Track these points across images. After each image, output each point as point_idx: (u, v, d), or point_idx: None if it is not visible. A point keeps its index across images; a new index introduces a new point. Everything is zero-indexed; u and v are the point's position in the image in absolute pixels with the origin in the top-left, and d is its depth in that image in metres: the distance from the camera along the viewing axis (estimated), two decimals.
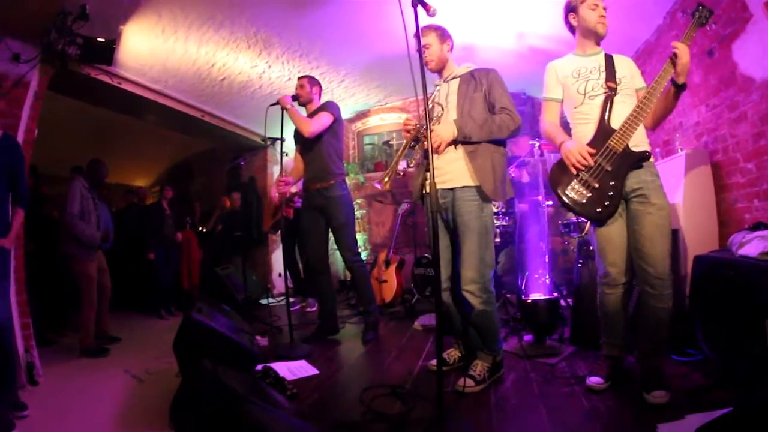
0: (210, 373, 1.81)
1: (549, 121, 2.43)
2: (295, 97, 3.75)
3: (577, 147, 2.19)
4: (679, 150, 3.43)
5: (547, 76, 2.46)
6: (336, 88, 5.60)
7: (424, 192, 2.61)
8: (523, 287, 3.90)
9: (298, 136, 3.81)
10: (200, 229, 7.41)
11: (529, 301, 3.16)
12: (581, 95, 2.30)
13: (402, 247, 6.06)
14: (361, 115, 6.93)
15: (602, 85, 2.25)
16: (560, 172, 2.27)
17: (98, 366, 3.77)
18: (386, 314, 4.73)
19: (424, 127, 2.54)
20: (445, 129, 2.40)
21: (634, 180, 2.13)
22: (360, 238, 6.91)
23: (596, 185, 2.14)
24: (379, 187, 2.43)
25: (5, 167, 2.68)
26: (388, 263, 5.26)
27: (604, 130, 2.18)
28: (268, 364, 2.85)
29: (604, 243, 2.25)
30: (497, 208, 4.59)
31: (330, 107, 3.75)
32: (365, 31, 4.35)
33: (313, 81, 3.94)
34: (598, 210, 2.15)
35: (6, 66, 3.19)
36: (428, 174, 2.37)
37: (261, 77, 5.06)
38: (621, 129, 2.13)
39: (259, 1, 3.74)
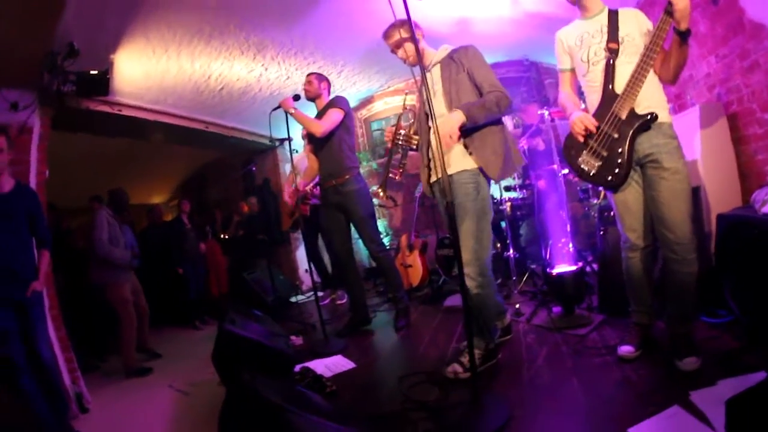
0: (249, 386, 1.80)
1: (563, 91, 2.41)
2: (297, 97, 3.64)
3: (581, 116, 2.16)
4: (692, 104, 3.27)
5: (556, 47, 2.40)
6: (336, 79, 5.47)
7: (431, 183, 2.60)
8: (547, 258, 3.83)
9: (309, 134, 3.77)
10: (222, 236, 7.48)
11: (555, 273, 3.13)
12: (585, 63, 2.24)
13: (423, 228, 5.99)
14: (366, 102, 6.81)
15: (603, 48, 2.15)
16: (571, 144, 2.26)
17: (143, 385, 3.90)
18: (415, 298, 4.71)
19: (403, 135, 2.58)
20: (449, 121, 2.27)
21: (646, 144, 2.06)
22: (380, 224, 6.86)
23: (605, 153, 2.12)
24: (377, 200, 2.37)
25: (25, 215, 2.79)
26: (411, 248, 5.21)
27: (608, 97, 2.12)
28: (305, 365, 2.88)
29: (621, 209, 2.22)
30: (514, 179, 4.51)
31: (338, 102, 3.67)
32: (355, 18, 4.21)
33: (321, 77, 3.84)
34: (608, 178, 2.13)
35: (7, 116, 3.21)
36: (431, 168, 2.51)
37: (259, 80, 4.98)
38: (624, 93, 2.06)
39: (244, 6, 3.65)
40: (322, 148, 3.72)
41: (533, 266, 4.48)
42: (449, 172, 2.38)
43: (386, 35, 2.56)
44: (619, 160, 2.08)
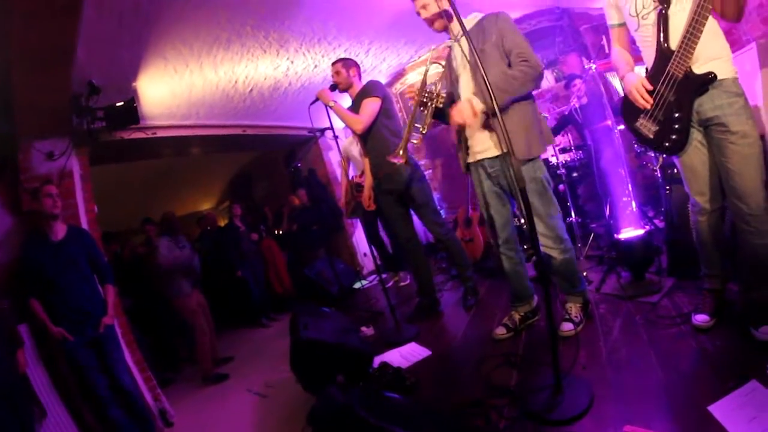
0: (343, 404, 1.81)
1: (615, 48, 2.22)
2: (334, 86, 3.50)
3: (636, 83, 1.99)
4: (747, 41, 2.84)
5: (604, 2, 2.18)
6: (365, 58, 5.19)
7: (468, 163, 2.61)
8: (609, 219, 3.76)
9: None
10: (276, 232, 7.50)
11: (623, 239, 3.01)
12: (635, 17, 2.01)
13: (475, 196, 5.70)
14: (398, 75, 6.46)
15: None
16: (627, 106, 2.11)
17: (221, 392, 4.01)
18: (480, 271, 4.55)
19: (428, 90, 2.39)
20: (467, 106, 2.22)
21: (708, 106, 1.86)
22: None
23: (662, 118, 1.98)
24: (395, 161, 2.40)
25: (84, 256, 2.95)
26: (469, 222, 5.07)
27: (662, 54, 1.91)
28: (383, 358, 2.86)
29: (687, 173, 2.08)
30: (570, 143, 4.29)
31: (373, 89, 3.44)
32: None
33: (347, 63, 3.56)
34: (666, 144, 2.02)
35: (45, 166, 3.22)
36: (469, 147, 2.54)
37: (287, 75, 4.78)
38: (679, 50, 1.83)
39: (257, 6, 3.43)
40: (367, 138, 3.57)
41: (594, 225, 4.33)
42: (497, 153, 2.43)
43: None
44: (677, 126, 1.95)
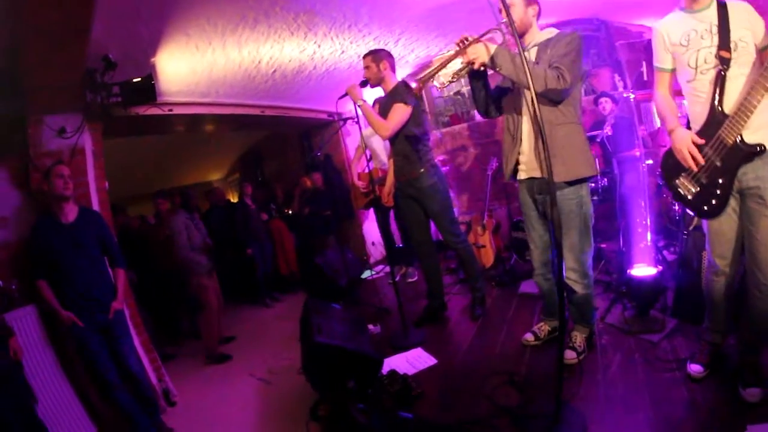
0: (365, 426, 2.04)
1: (660, 93, 2.17)
2: (365, 82, 3.38)
3: (686, 142, 1.96)
4: None
5: (654, 42, 2.14)
6: (393, 48, 4.94)
7: (517, 175, 2.56)
8: (623, 248, 3.78)
9: (381, 112, 3.54)
10: (286, 211, 7.38)
11: (634, 276, 3.06)
12: (692, 69, 1.96)
13: (493, 200, 5.55)
14: (424, 66, 6.20)
15: (714, 55, 1.86)
16: (670, 162, 2.11)
17: (224, 373, 4.09)
18: (489, 278, 4.50)
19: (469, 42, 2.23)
20: (480, 48, 2.18)
21: (751, 175, 1.86)
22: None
23: (704, 181, 1.97)
24: (413, 85, 2.36)
25: (94, 239, 2.89)
26: (484, 228, 5.00)
27: (714, 116, 1.89)
28: (391, 365, 2.92)
29: (713, 235, 2.08)
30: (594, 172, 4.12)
31: (405, 96, 3.31)
32: None
33: (378, 56, 3.40)
34: (704, 208, 2.02)
35: (56, 142, 3.07)
36: (521, 156, 2.47)
37: (313, 58, 4.56)
38: (733, 116, 1.81)
39: None
40: (394, 141, 3.51)
41: (603, 245, 4.29)
42: (535, 175, 2.42)
43: None
44: (719, 191, 1.94)
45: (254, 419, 3.12)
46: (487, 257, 4.88)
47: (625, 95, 3.75)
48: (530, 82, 1.84)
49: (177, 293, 4.99)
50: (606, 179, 4.30)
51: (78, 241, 2.79)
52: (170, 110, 4.05)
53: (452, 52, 2.33)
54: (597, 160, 4.30)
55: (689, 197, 2.05)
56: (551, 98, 2.22)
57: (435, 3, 4.13)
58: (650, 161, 3.70)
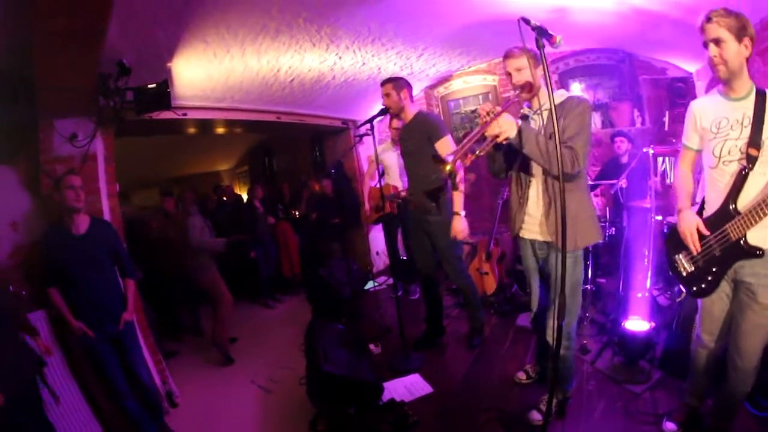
0: None
1: (682, 170, 2.20)
2: (384, 110, 3.40)
3: (691, 227, 2.01)
4: None
5: (687, 119, 2.11)
6: (415, 62, 4.88)
7: (520, 233, 2.55)
8: (622, 292, 3.85)
9: (400, 139, 3.63)
10: (293, 212, 7.31)
11: (628, 329, 3.15)
12: (715, 158, 1.94)
13: (501, 224, 5.47)
14: (443, 80, 6.16)
15: (740, 150, 1.85)
16: (674, 238, 2.17)
17: (226, 376, 4.18)
18: (488, 305, 4.54)
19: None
20: (510, 122, 2.08)
21: (748, 270, 1.90)
22: None
23: (700, 264, 2.05)
24: (446, 159, 2.14)
25: (105, 251, 2.87)
26: (489, 255, 4.93)
27: (726, 210, 1.92)
28: (389, 391, 3.05)
29: (704, 313, 2.17)
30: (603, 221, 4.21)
31: (441, 128, 3.32)
32: (441, 2, 3.63)
33: (398, 84, 3.34)
34: (694, 288, 2.11)
35: (67, 147, 3.00)
36: (526, 217, 2.47)
37: (333, 69, 4.48)
38: (744, 215, 1.83)
39: (313, 1, 3.13)
40: (410, 165, 3.57)
41: (602, 281, 4.35)
42: (548, 239, 2.38)
43: (512, 55, 2.29)
44: (710, 278, 2.03)
45: (254, 427, 3.21)
46: (489, 284, 4.84)
47: (644, 150, 3.72)
48: (550, 165, 1.95)
49: (183, 289, 5.01)
50: (614, 228, 4.30)
51: (89, 253, 2.76)
52: (184, 114, 3.94)
53: (478, 128, 2.23)
54: (608, 208, 4.37)
55: (684, 274, 2.14)
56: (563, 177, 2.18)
57: (462, 23, 4.04)
58: (659, 217, 3.74)
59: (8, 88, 2.60)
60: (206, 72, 3.68)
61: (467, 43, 4.69)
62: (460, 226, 3.26)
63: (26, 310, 2.76)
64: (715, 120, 1.93)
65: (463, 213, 3.27)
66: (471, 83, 6.05)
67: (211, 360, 4.48)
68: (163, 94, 3.19)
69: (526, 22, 1.71)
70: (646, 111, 5.02)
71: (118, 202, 3.57)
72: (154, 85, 3.15)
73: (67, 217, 2.73)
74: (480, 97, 6.07)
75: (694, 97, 4.65)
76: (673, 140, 4.40)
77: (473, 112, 6.08)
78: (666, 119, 4.23)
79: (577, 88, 5.32)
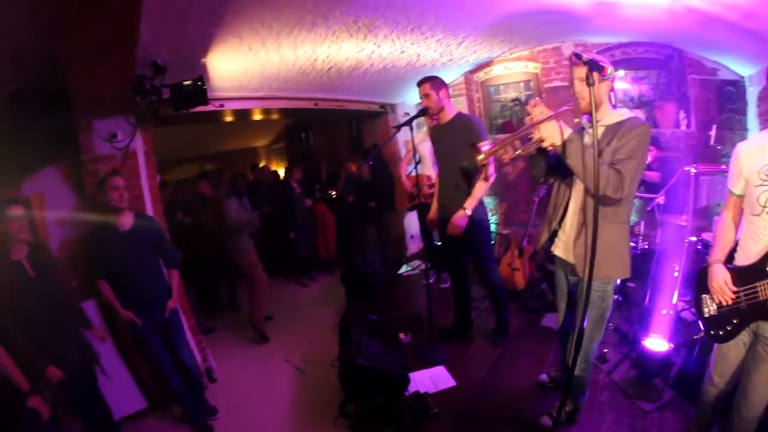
0: None
1: (725, 218, 2.09)
2: (423, 111, 3.32)
3: (719, 282, 1.96)
4: None
5: (732, 162, 2.00)
6: (455, 50, 4.69)
7: (552, 248, 2.52)
8: (648, 304, 3.75)
9: (432, 137, 3.58)
10: (330, 192, 7.34)
11: (647, 348, 3.10)
12: (761, 207, 1.82)
13: (537, 218, 5.32)
14: (484, 65, 5.91)
15: None
16: (704, 276, 2.11)
17: (261, 354, 4.31)
18: (518, 300, 4.56)
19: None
20: (554, 129, 2.05)
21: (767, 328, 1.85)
22: (490, 201, 6.30)
23: (724, 312, 2.00)
24: (481, 149, 2.29)
25: (150, 245, 3.02)
26: (521, 252, 4.89)
27: (761, 267, 1.82)
28: (415, 382, 3.18)
29: (719, 356, 2.14)
30: (637, 232, 4.13)
31: (483, 132, 3.23)
32: None
33: (436, 84, 3.26)
34: (712, 332, 2.09)
35: (109, 147, 3.08)
36: (560, 233, 2.43)
37: (371, 57, 4.37)
38: None
39: None
40: (443, 170, 3.52)
41: (632, 284, 4.23)
42: (563, 257, 2.40)
43: (578, 65, 2.08)
44: (729, 328, 2.00)
45: (287, 405, 3.37)
46: (519, 281, 4.79)
47: (686, 168, 3.57)
48: (594, 184, 1.81)
49: (221, 265, 5.15)
50: (647, 243, 4.15)
51: (135, 248, 2.91)
52: (221, 105, 3.97)
53: (524, 127, 2.19)
54: (642, 222, 4.19)
55: (706, 315, 2.11)
56: (602, 201, 2.05)
57: (504, 13, 3.85)
58: (694, 238, 3.61)
59: (46, 99, 2.67)
60: (242, 65, 3.65)
61: (510, 31, 4.47)
62: (457, 221, 3.23)
63: (78, 300, 2.96)
64: (763, 167, 1.79)
65: (469, 212, 3.22)
66: (512, 69, 5.79)
67: (247, 337, 4.64)
68: (200, 92, 3.19)
69: (578, 57, 1.65)
70: (692, 113, 4.69)
71: (159, 193, 3.68)
72: (189, 82, 3.14)
73: (112, 215, 2.86)
74: (521, 84, 5.82)
75: (745, 103, 4.36)
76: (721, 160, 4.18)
77: (515, 101, 5.85)
78: (713, 133, 3.87)
79: (621, 80, 5.00)
